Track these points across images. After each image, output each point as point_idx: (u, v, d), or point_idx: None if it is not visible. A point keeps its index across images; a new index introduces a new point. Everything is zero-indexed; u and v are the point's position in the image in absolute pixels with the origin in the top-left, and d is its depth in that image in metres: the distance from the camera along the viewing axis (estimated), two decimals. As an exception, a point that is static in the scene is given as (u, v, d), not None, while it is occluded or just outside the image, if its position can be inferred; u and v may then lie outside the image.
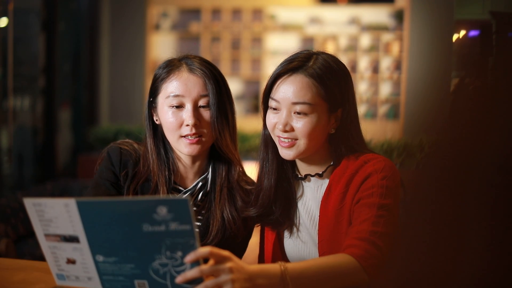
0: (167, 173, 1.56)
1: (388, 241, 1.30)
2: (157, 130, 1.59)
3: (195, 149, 1.51)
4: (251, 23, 6.80)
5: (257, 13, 6.82)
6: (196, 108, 1.50)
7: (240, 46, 6.85)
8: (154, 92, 1.56)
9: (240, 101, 6.96)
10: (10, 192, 4.49)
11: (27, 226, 2.77)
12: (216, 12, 6.85)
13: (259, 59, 6.87)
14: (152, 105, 1.57)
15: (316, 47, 1.46)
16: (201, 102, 1.50)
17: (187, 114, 1.49)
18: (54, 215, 1.10)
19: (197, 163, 1.58)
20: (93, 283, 1.14)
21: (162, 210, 1.02)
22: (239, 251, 1.59)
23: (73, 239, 1.11)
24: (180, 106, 1.50)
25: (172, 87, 1.51)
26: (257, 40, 6.88)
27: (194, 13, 6.90)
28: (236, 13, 6.84)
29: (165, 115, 1.51)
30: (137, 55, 6.45)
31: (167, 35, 6.92)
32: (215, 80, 1.51)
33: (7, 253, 2.21)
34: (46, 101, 5.27)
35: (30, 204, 1.11)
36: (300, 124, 1.39)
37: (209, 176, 1.58)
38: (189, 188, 1.57)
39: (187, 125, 1.49)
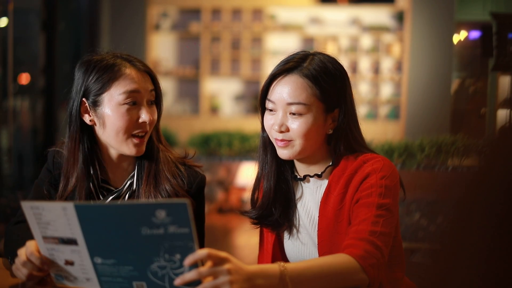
0: (92, 172, 1.50)
1: (387, 240, 1.31)
2: (84, 130, 1.51)
3: (142, 148, 1.49)
4: (251, 23, 6.79)
5: (257, 13, 6.81)
6: (149, 104, 1.50)
7: (240, 46, 6.84)
8: (98, 90, 1.47)
9: (240, 101, 6.96)
10: (10, 192, 4.48)
11: (26, 226, 2.77)
12: (216, 12, 6.85)
13: (259, 59, 6.86)
14: (83, 104, 1.50)
15: (317, 48, 1.46)
16: (151, 97, 1.51)
17: (144, 111, 1.47)
18: (52, 218, 1.10)
19: (125, 162, 1.55)
20: (92, 284, 1.14)
21: (161, 214, 1.01)
22: None
23: (71, 241, 1.11)
24: (134, 103, 1.47)
25: (126, 84, 1.46)
26: (257, 40, 6.87)
27: (194, 13, 6.89)
28: (236, 13, 6.83)
29: (116, 114, 1.45)
30: (137, 55, 6.38)
31: (167, 35, 6.91)
32: (154, 74, 1.53)
33: (6, 253, 2.20)
34: (46, 101, 5.26)
35: (28, 207, 1.11)
36: (296, 125, 1.39)
37: (135, 173, 1.54)
38: (118, 189, 1.53)
39: (143, 122, 1.46)
